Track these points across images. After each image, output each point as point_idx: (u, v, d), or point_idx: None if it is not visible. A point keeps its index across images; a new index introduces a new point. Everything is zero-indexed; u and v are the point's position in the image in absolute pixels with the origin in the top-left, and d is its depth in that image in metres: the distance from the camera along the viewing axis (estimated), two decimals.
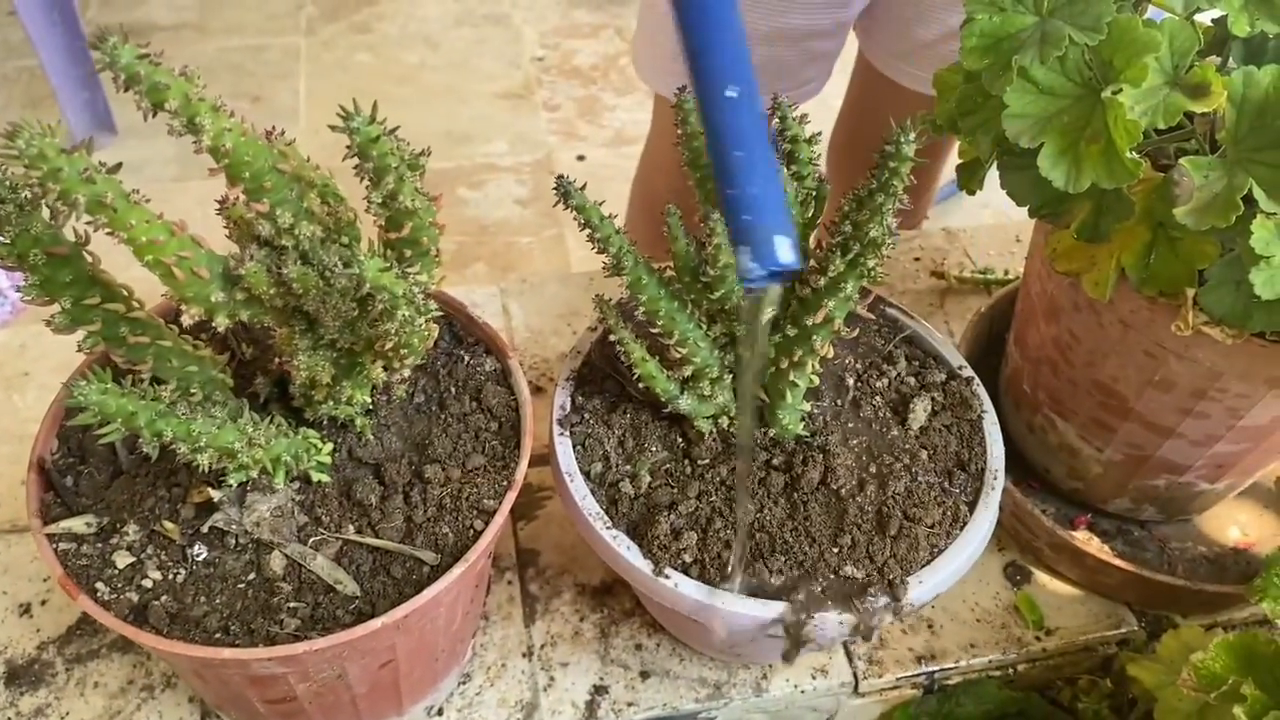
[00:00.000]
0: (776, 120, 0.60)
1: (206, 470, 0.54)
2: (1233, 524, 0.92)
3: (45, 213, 0.56)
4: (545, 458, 0.76)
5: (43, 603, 0.85)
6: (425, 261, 0.52)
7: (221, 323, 0.51)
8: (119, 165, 0.45)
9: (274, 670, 0.61)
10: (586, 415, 0.75)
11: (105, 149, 2.29)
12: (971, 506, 0.71)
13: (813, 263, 0.61)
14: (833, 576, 0.67)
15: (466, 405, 0.70)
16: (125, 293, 0.59)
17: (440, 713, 0.81)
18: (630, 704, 0.82)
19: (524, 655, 0.84)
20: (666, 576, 0.65)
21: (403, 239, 0.49)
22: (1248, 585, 0.74)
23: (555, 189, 0.60)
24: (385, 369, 0.56)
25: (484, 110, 2.43)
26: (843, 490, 0.70)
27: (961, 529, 0.70)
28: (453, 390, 0.71)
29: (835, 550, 0.68)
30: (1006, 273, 1.13)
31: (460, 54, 2.59)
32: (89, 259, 0.57)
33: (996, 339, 0.99)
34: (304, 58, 2.52)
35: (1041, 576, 0.91)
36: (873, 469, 0.72)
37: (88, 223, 0.45)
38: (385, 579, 0.62)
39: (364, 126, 0.44)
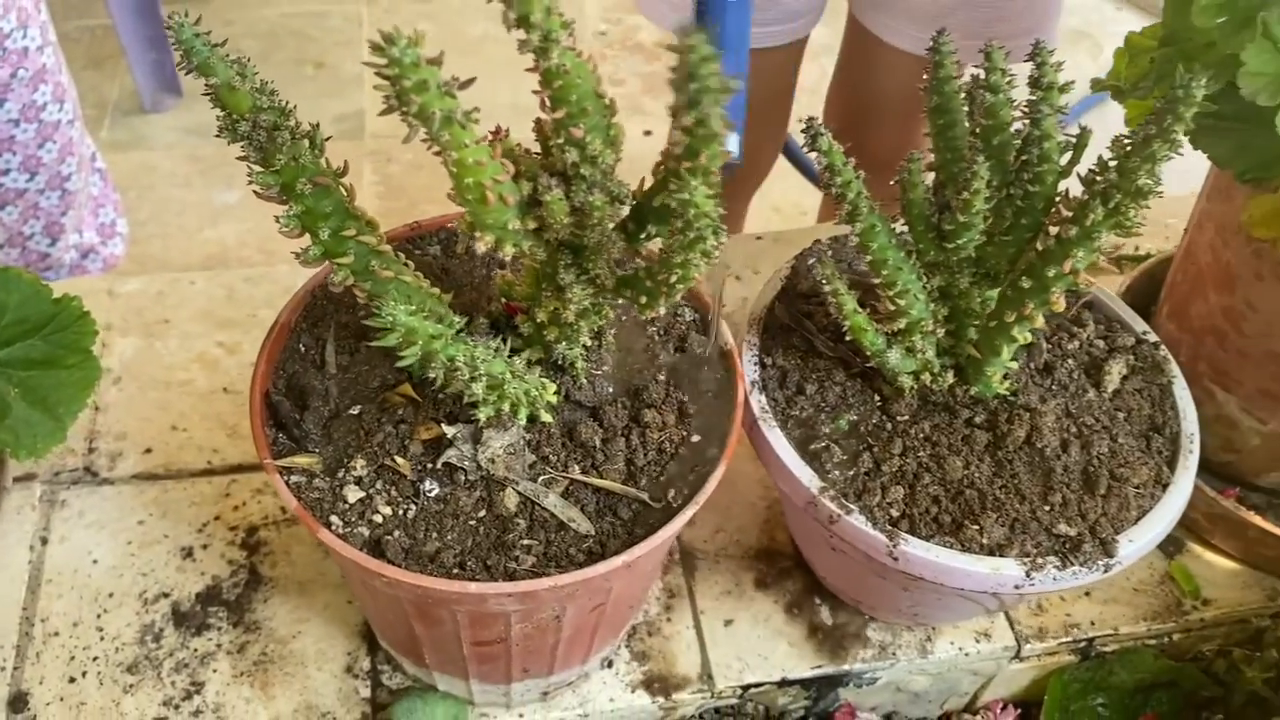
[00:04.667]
0: (1034, 67, 0.60)
1: (480, 399, 0.54)
2: None
3: (306, 143, 0.55)
4: None
5: (204, 547, 0.85)
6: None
7: (508, 252, 0.50)
8: (472, 79, 0.45)
9: (506, 608, 0.60)
10: (774, 371, 0.75)
11: (171, 111, 2.28)
12: (1171, 468, 0.71)
13: (1063, 211, 0.60)
14: (1045, 534, 0.67)
15: (671, 353, 0.70)
16: (373, 225, 0.59)
17: (610, 664, 0.81)
18: (796, 662, 0.82)
19: (688, 611, 0.84)
20: (897, 539, 0.64)
21: (695, 168, 0.48)
22: None
23: (804, 131, 0.60)
24: (648, 303, 0.55)
25: None
26: (1047, 449, 0.70)
27: (1164, 489, 0.70)
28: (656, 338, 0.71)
29: (1046, 508, 0.68)
30: (1136, 249, 1.13)
31: None
32: (344, 190, 0.57)
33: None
34: (366, 24, 2.51)
35: (1194, 547, 0.91)
36: (1073, 429, 0.72)
37: (423, 140, 0.44)
38: (613, 519, 0.62)
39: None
